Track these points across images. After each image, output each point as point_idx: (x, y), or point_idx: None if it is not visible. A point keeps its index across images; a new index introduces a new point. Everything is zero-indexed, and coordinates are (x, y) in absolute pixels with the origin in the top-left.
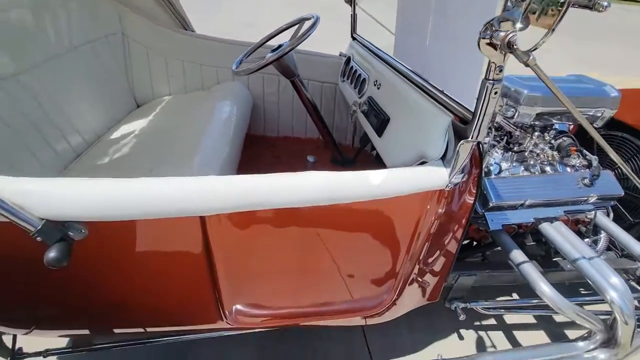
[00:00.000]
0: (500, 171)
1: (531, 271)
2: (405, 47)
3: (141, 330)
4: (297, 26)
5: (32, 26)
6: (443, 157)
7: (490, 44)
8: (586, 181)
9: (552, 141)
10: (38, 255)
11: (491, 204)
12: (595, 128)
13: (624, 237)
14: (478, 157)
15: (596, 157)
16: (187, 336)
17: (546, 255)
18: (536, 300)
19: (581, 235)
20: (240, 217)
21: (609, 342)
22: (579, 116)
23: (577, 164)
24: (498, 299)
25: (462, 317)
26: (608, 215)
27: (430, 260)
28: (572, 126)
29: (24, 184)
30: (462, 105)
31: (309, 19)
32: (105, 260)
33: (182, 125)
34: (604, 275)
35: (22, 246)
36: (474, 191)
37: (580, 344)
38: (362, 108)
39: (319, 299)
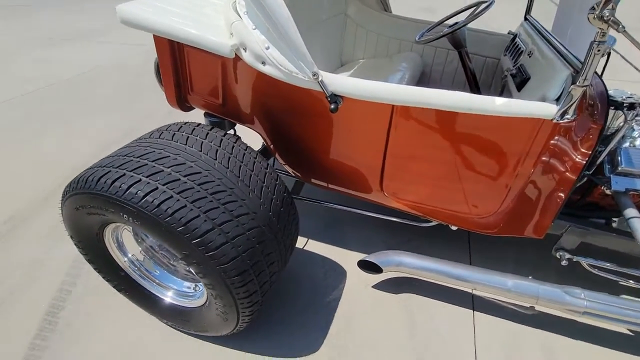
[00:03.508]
0: None
1: (638, 225)
2: (560, 22)
3: (326, 184)
4: (473, 8)
5: (302, 5)
6: (558, 100)
7: (595, 17)
8: None
9: None
10: (321, 109)
11: (620, 168)
12: None
13: None
14: (602, 117)
15: None
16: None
17: None
18: None
19: None
20: (411, 112)
21: None
22: None
23: None
24: (608, 263)
25: (564, 262)
26: None
27: (536, 190)
28: None
29: (325, 74)
30: (579, 60)
31: (484, 2)
32: (330, 120)
33: (368, 75)
34: None
35: (307, 103)
36: (592, 142)
37: None
38: (512, 72)
39: (445, 198)
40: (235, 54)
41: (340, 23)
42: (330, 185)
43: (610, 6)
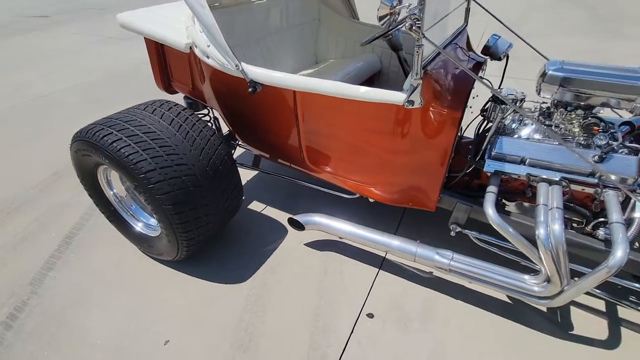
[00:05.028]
0: (520, 136)
1: (490, 199)
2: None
3: (279, 159)
4: None
5: (272, 12)
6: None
7: (405, 27)
8: (596, 157)
9: (581, 120)
10: (244, 91)
11: (493, 153)
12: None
13: (617, 217)
14: (458, 108)
15: (623, 142)
16: (298, 181)
17: None
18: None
19: (597, 214)
20: (306, 96)
21: (547, 281)
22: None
23: (602, 145)
24: (492, 237)
25: (452, 233)
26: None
27: (418, 167)
28: None
29: (245, 66)
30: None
31: None
32: (257, 102)
33: (329, 72)
34: (548, 221)
35: (240, 88)
36: (452, 128)
37: (527, 276)
38: None
39: (347, 169)
40: (191, 50)
41: (314, 28)
42: (272, 158)
43: (413, 19)
